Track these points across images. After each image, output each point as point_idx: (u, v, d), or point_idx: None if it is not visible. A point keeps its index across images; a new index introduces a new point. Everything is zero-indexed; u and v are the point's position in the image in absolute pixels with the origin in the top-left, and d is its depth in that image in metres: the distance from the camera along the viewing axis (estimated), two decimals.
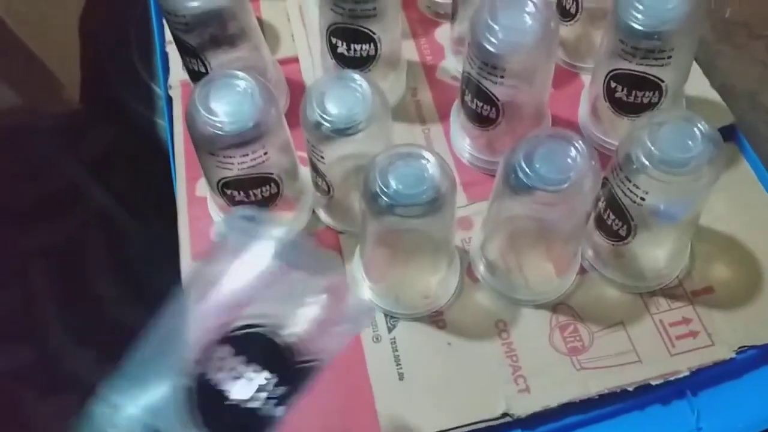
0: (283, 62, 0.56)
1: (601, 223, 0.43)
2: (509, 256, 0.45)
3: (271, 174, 0.41)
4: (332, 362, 0.30)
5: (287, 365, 0.29)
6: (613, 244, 0.43)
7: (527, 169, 0.37)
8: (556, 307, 0.45)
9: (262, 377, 0.28)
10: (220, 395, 0.28)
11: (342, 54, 0.48)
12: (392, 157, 0.37)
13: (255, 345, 0.29)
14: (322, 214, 0.48)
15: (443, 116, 0.53)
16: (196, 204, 0.49)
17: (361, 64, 0.48)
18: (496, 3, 0.41)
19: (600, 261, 0.45)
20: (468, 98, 0.46)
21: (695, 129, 0.37)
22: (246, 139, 0.38)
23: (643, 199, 0.38)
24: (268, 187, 0.42)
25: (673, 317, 0.44)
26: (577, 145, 0.37)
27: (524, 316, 0.45)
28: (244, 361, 0.28)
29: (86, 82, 0.72)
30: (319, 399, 0.42)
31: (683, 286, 0.45)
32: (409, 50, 0.57)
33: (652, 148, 0.37)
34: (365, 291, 0.45)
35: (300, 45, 0.57)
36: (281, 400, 0.28)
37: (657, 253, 0.44)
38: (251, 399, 0.28)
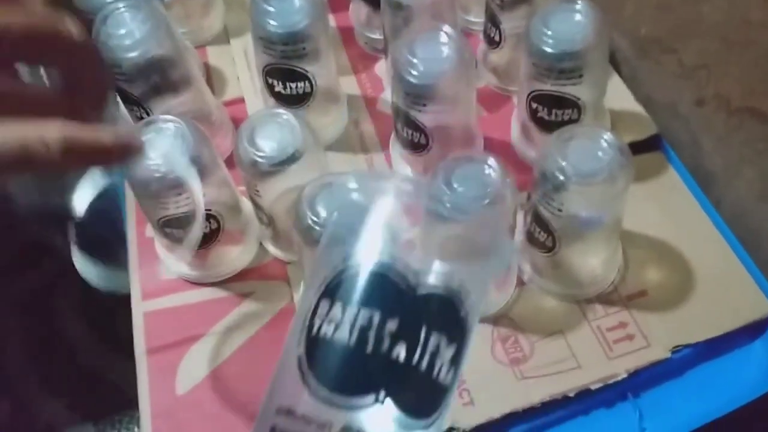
0: (230, 103, 0.58)
1: (530, 237, 0.45)
2: None
3: (209, 211, 0.43)
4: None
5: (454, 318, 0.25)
6: (545, 256, 0.45)
7: (448, 194, 0.39)
8: (497, 319, 0.46)
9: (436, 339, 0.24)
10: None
11: (279, 92, 0.50)
12: (318, 188, 0.39)
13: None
14: (269, 246, 0.50)
15: (385, 145, 0.55)
16: (146, 245, 0.50)
17: (298, 101, 0.51)
18: (414, 37, 0.44)
19: (537, 273, 0.47)
20: (399, 127, 0.48)
21: (602, 141, 0.39)
22: (180, 179, 0.40)
23: (560, 210, 0.40)
24: (207, 223, 0.44)
25: (610, 322, 0.46)
26: (490, 163, 0.39)
27: None
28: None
29: None
30: None
31: (618, 291, 0.47)
32: (351, 84, 0.59)
33: (564, 163, 0.39)
34: None
35: (245, 86, 0.59)
36: (454, 363, 0.24)
37: (589, 261, 0.46)
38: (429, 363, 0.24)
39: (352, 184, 0.40)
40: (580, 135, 0.39)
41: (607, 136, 0.39)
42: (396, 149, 0.53)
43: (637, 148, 0.53)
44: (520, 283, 0.48)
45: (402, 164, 0.53)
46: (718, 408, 0.43)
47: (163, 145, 0.40)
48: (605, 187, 0.39)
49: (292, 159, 0.42)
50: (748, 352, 0.45)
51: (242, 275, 0.49)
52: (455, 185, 0.39)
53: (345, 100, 0.57)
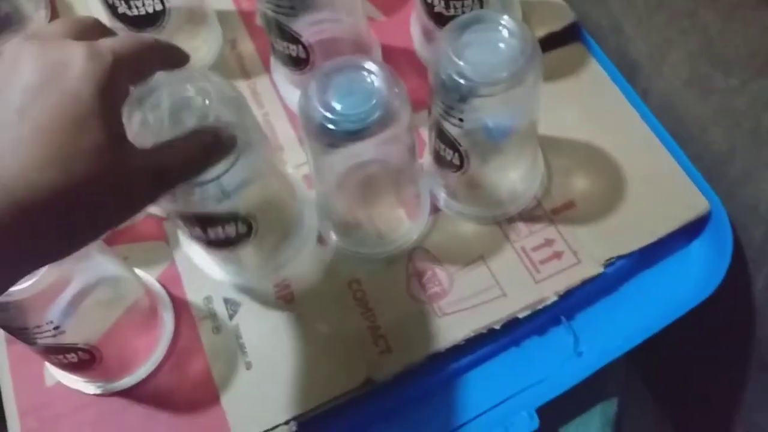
0: None
1: (437, 157, 0.39)
2: (354, 211, 0.41)
3: None
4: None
5: None
6: (456, 177, 0.39)
7: (328, 114, 0.32)
8: (411, 253, 0.41)
9: None
10: None
11: (124, 14, 0.41)
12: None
13: None
14: None
15: (268, 66, 0.47)
16: None
17: (149, 22, 0.42)
18: None
19: (451, 196, 0.41)
20: (274, 41, 0.41)
21: (501, 29, 0.32)
22: None
23: (461, 120, 0.34)
24: None
25: (535, 241, 0.41)
26: (371, 69, 0.32)
27: (379, 270, 0.40)
28: None
29: None
30: (160, 406, 0.37)
31: (542, 206, 0.42)
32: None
33: (460, 62, 0.32)
34: (209, 271, 0.40)
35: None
36: None
37: (506, 176, 0.41)
38: None
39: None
40: (474, 26, 0.32)
41: (507, 21, 0.32)
42: (278, 69, 0.45)
43: (554, 40, 0.47)
44: (435, 210, 0.42)
45: (288, 86, 0.45)
46: (658, 321, 0.39)
47: None
48: (512, 86, 0.32)
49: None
50: (685, 256, 0.41)
51: (112, 239, 0.41)
52: (333, 103, 0.32)
53: (215, 19, 0.48)
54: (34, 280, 0.29)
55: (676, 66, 0.42)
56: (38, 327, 0.31)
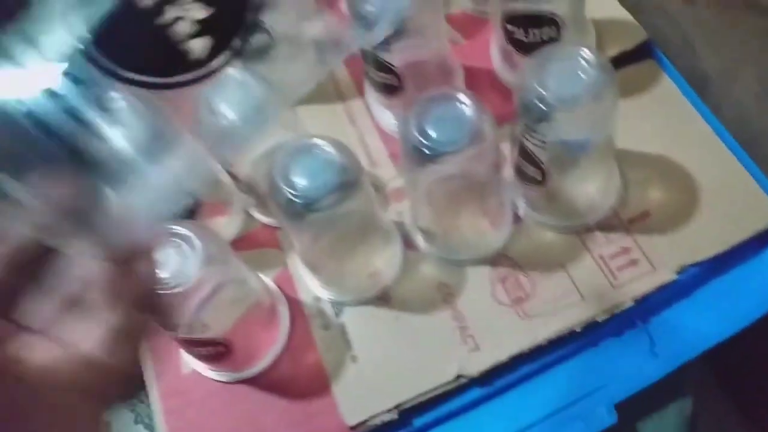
0: None
1: (519, 171, 0.43)
2: (442, 219, 0.45)
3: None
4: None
5: None
6: (537, 190, 0.43)
7: (423, 140, 0.36)
8: (495, 260, 0.45)
9: None
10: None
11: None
12: (289, 154, 0.37)
13: None
14: (256, 213, 0.48)
15: (362, 90, 0.52)
16: None
17: (257, 54, 0.48)
18: None
19: (532, 207, 0.45)
20: (369, 70, 0.46)
21: (580, 59, 0.36)
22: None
23: (544, 142, 0.38)
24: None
25: (612, 249, 0.44)
26: (463, 100, 0.36)
27: (466, 276, 0.45)
28: None
29: None
30: (278, 394, 0.43)
31: (619, 216, 0.45)
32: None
33: (542, 90, 0.36)
34: (309, 283, 0.46)
35: None
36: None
37: (585, 188, 0.44)
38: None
39: (327, 148, 0.38)
40: (556, 56, 0.36)
41: (586, 53, 0.36)
42: (371, 94, 0.50)
43: (628, 58, 0.49)
44: (516, 219, 0.46)
45: (380, 110, 0.50)
46: (731, 326, 0.41)
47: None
48: (590, 111, 0.36)
49: (257, 124, 0.39)
50: (758, 263, 0.43)
51: (232, 247, 0.47)
52: (429, 131, 0.36)
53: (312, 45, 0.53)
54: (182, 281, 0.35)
55: (747, 81, 0.44)
56: (183, 321, 0.37)
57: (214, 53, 0.24)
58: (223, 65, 0.25)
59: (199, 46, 0.24)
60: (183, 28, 0.23)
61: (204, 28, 0.24)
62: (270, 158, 0.43)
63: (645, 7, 0.50)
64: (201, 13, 0.23)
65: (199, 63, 0.24)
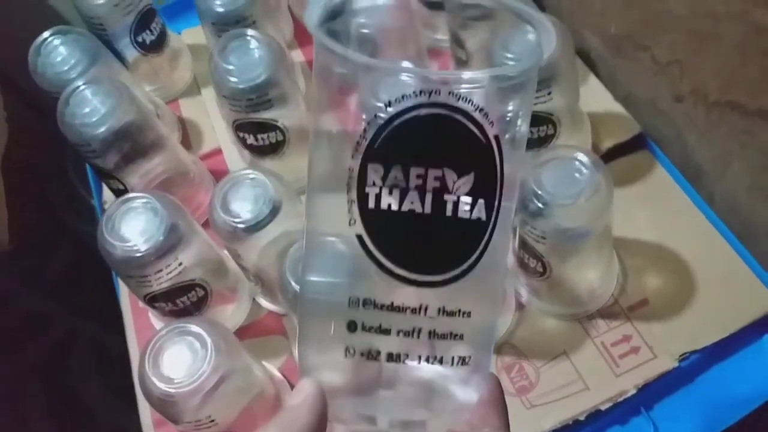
0: (208, 156, 0.58)
1: (521, 262, 0.44)
2: None
3: (194, 280, 0.43)
4: None
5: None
6: (539, 280, 0.44)
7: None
8: (499, 348, 0.45)
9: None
10: None
11: (252, 145, 0.50)
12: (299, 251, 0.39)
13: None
14: (262, 301, 0.49)
15: None
16: (140, 314, 0.50)
17: (272, 150, 0.50)
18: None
19: (534, 295, 0.46)
20: None
21: (575, 162, 0.38)
22: (158, 254, 0.39)
23: (543, 238, 0.39)
24: (194, 292, 0.43)
25: (614, 337, 0.45)
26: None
27: None
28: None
29: (29, 215, 0.74)
30: None
31: (619, 303, 0.46)
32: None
33: (540, 191, 0.38)
34: None
35: (221, 136, 0.59)
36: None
37: (585, 276, 0.45)
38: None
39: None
40: (553, 159, 0.38)
41: (581, 155, 0.38)
42: None
43: (623, 149, 0.52)
44: (519, 306, 0.47)
45: None
46: (735, 412, 0.42)
47: (137, 223, 0.39)
48: (586, 208, 0.38)
49: (268, 218, 0.41)
50: (757, 350, 0.44)
51: (238, 335, 0.48)
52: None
53: None
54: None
55: (739, 174, 0.46)
56: (195, 420, 0.38)
57: None
58: None
59: None
60: None
61: None
62: (276, 247, 0.45)
63: (638, 102, 0.52)
64: None
65: None
